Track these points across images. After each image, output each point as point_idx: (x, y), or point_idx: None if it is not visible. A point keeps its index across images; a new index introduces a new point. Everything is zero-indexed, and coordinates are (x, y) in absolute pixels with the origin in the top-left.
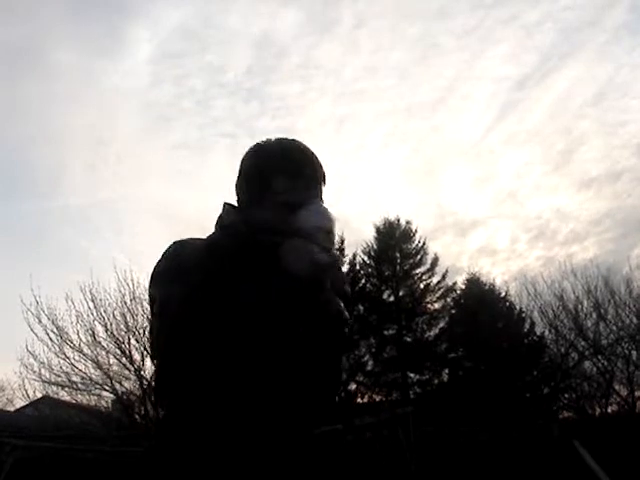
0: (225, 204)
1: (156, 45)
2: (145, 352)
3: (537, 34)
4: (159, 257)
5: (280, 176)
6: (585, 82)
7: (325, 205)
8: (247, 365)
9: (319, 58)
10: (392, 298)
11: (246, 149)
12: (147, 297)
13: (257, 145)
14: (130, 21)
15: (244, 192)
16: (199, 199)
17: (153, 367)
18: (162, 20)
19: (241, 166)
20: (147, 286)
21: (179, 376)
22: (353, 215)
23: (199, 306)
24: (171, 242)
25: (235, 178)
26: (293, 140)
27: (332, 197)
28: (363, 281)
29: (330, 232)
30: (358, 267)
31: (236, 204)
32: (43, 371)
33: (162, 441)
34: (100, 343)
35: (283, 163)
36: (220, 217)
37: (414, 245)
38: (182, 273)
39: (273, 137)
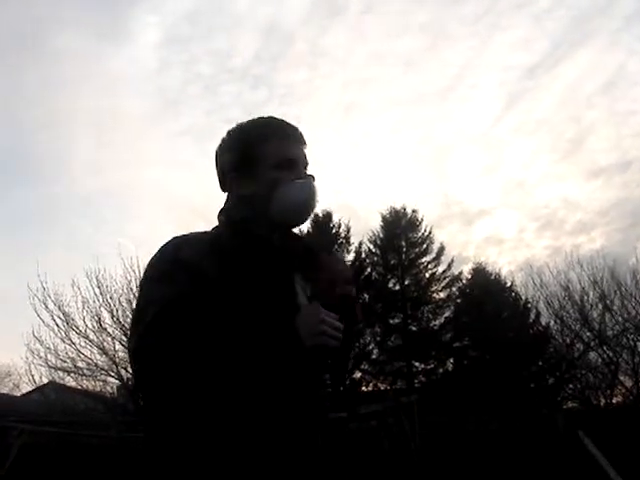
0: (229, 195)
1: (163, 30)
2: None
3: (548, 21)
4: (156, 251)
5: (271, 140)
6: (595, 70)
7: (306, 180)
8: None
9: (326, 45)
10: (397, 287)
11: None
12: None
13: (237, 127)
14: (137, 6)
15: (234, 173)
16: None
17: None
18: (169, 4)
19: (225, 151)
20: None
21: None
22: (360, 203)
23: (182, 313)
24: (172, 236)
25: (216, 169)
26: (269, 115)
27: (339, 185)
28: (369, 270)
29: (307, 209)
30: (364, 256)
31: (224, 193)
32: (49, 356)
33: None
34: (106, 329)
35: (267, 129)
36: (226, 210)
37: (420, 234)
38: (173, 275)
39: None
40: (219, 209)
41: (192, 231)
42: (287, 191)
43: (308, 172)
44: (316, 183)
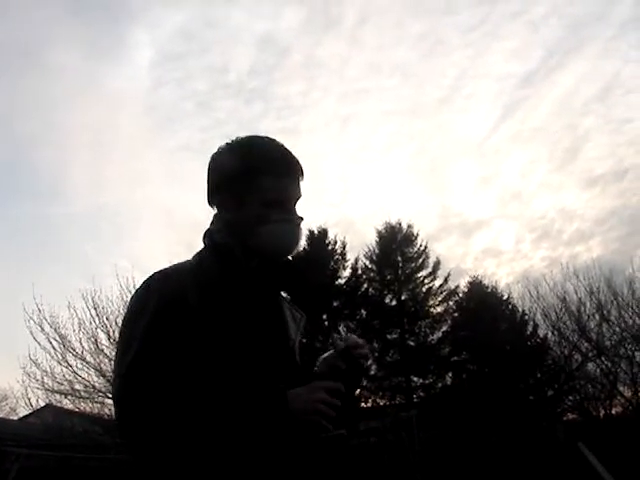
0: (215, 215)
1: (157, 47)
2: None
3: (543, 29)
4: (140, 286)
5: (269, 174)
6: (590, 78)
7: (291, 224)
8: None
9: (322, 56)
10: (394, 302)
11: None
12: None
13: (238, 145)
14: (131, 24)
15: (227, 194)
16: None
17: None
18: (163, 22)
19: (220, 168)
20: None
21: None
22: (356, 216)
23: (163, 352)
24: (149, 277)
25: (208, 178)
26: (272, 139)
27: (336, 199)
28: (365, 285)
29: (287, 252)
30: (360, 272)
31: (214, 209)
32: (46, 379)
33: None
34: (103, 351)
35: (269, 161)
36: (211, 232)
37: (416, 249)
38: (157, 310)
39: (243, 136)
40: (205, 230)
41: (175, 263)
42: (271, 232)
43: (297, 211)
44: (301, 226)
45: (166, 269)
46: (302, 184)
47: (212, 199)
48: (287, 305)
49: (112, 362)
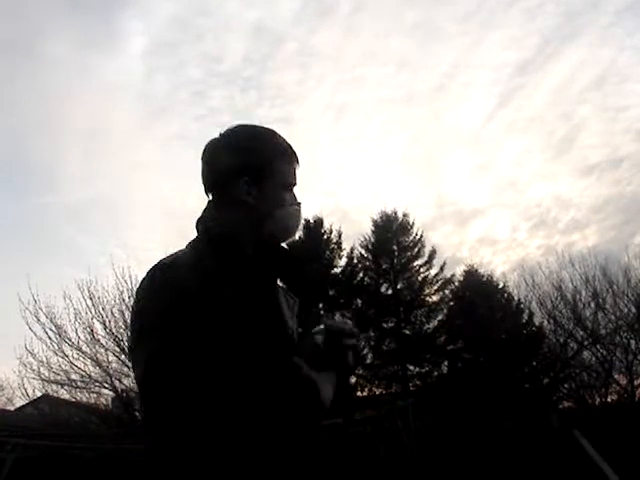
0: (214, 201)
1: (151, 36)
2: None
3: (538, 17)
4: (148, 277)
5: (282, 160)
6: (586, 66)
7: (300, 208)
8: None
9: (317, 45)
10: (390, 291)
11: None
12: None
13: (241, 131)
14: (124, 12)
15: (244, 180)
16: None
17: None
18: (156, 10)
19: (232, 155)
20: (132, 307)
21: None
22: (352, 205)
23: (184, 345)
24: (152, 267)
25: (206, 167)
26: (270, 128)
27: (331, 188)
28: (361, 275)
29: (294, 234)
30: (356, 261)
31: (210, 196)
32: (42, 370)
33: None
34: (99, 341)
35: (280, 147)
36: (205, 220)
37: (411, 238)
38: (173, 301)
39: (238, 124)
40: (198, 218)
41: (171, 253)
42: (288, 214)
43: (297, 197)
44: (302, 209)
45: (166, 260)
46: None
47: (218, 187)
48: (282, 292)
49: (108, 352)
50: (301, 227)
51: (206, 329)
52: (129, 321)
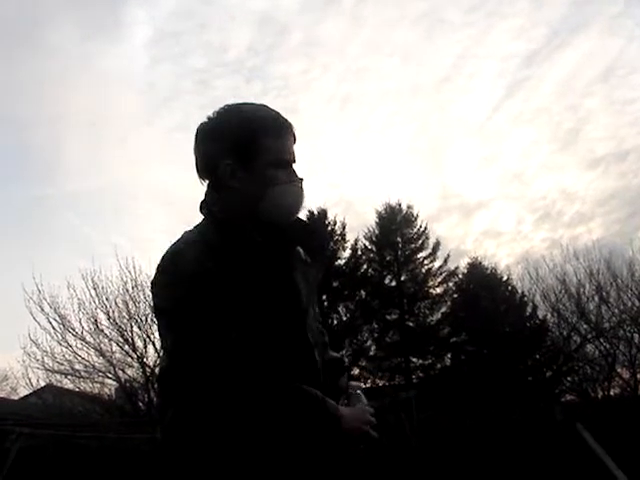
0: (211, 186)
1: (154, 25)
2: (147, 339)
3: (546, 6)
4: (173, 256)
5: (269, 135)
6: (594, 57)
7: (299, 184)
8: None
9: (322, 35)
10: (394, 283)
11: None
12: (151, 302)
13: (229, 112)
14: (127, 1)
15: (229, 161)
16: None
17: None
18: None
19: (217, 137)
20: (151, 293)
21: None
22: (356, 197)
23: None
24: (170, 251)
25: (197, 152)
26: (259, 103)
27: (336, 179)
28: (365, 266)
29: (296, 213)
30: (360, 252)
31: (205, 182)
32: (46, 359)
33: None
34: (102, 331)
35: (268, 122)
36: (208, 204)
37: (415, 230)
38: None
39: (225, 105)
40: (201, 202)
41: (183, 235)
42: (282, 193)
43: (298, 173)
44: (305, 186)
45: (180, 247)
46: (295, 147)
47: (210, 171)
48: (300, 262)
49: (112, 342)
50: (304, 205)
51: (223, 311)
52: (149, 294)
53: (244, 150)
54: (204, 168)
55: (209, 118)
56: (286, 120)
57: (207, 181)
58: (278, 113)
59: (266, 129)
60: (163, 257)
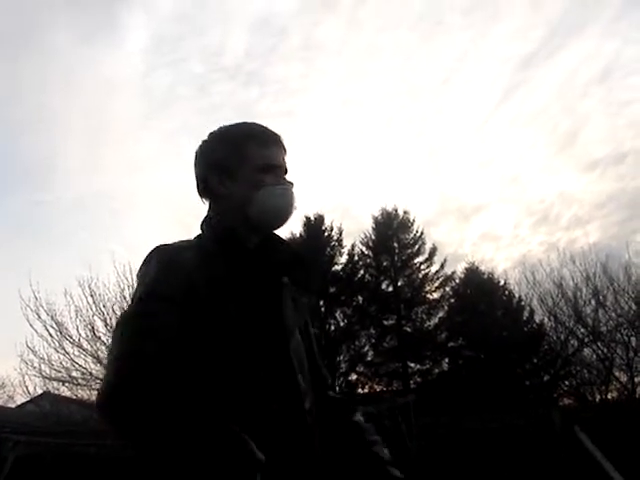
0: (210, 202)
1: (152, 30)
2: None
3: (544, 9)
4: (150, 260)
5: (253, 145)
6: (591, 60)
7: (287, 186)
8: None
9: (320, 38)
10: (391, 288)
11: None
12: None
13: (216, 132)
14: (124, 6)
15: (217, 173)
16: None
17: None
18: (157, 4)
19: (205, 155)
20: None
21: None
22: (353, 201)
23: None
24: (157, 248)
25: (195, 172)
26: (253, 122)
27: (333, 184)
28: (362, 272)
29: (286, 215)
30: (356, 258)
31: (206, 200)
32: (43, 367)
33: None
34: (100, 338)
35: (252, 132)
36: (209, 218)
37: (412, 235)
38: (172, 293)
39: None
40: (202, 219)
41: (175, 241)
42: (268, 194)
43: (288, 179)
44: (295, 190)
45: (171, 245)
46: (287, 158)
47: (204, 188)
48: (290, 291)
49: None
50: (294, 208)
51: (196, 330)
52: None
53: (229, 161)
54: (198, 187)
55: (201, 142)
56: (274, 133)
57: (206, 200)
58: (266, 127)
59: (251, 139)
60: (150, 252)
